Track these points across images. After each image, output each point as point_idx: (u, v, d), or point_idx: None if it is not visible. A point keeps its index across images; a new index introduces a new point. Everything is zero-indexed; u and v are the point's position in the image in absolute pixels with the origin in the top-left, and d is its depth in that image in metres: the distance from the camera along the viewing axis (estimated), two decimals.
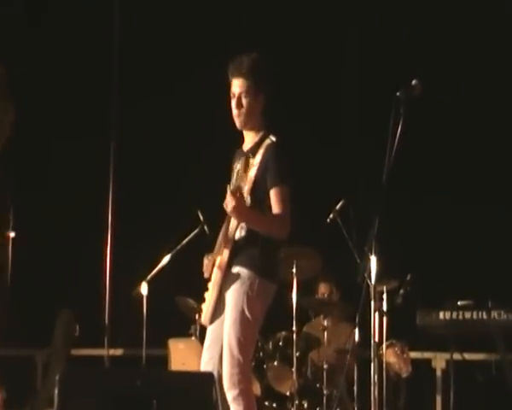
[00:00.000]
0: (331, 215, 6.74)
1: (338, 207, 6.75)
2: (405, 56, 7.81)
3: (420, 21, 8.12)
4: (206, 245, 6.86)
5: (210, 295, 4.86)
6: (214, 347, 4.82)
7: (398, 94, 4.43)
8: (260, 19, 8.30)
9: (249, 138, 4.92)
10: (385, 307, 6.58)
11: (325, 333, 6.82)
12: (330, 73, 8.19)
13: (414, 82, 4.48)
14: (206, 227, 6.87)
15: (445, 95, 7.70)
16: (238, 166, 4.91)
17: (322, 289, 7.55)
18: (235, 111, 4.84)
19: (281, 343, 6.83)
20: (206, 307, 4.89)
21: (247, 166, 4.73)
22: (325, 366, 6.66)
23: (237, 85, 4.82)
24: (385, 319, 6.55)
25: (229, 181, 4.91)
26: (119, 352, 7.96)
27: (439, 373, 7.66)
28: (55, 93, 8.37)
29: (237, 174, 4.87)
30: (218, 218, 6.73)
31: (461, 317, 6.38)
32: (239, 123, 4.86)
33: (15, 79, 4.87)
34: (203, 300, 4.92)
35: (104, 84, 7.72)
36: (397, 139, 4.36)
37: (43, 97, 8.32)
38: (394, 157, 4.36)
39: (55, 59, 8.43)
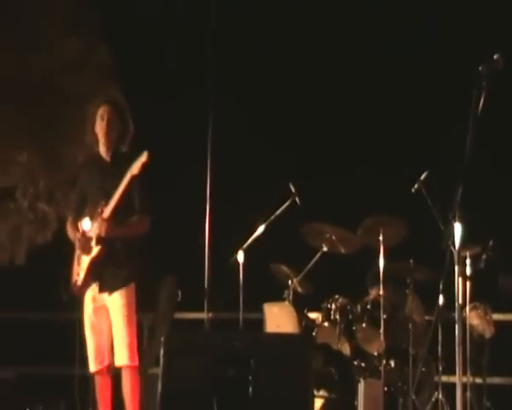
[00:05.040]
0: (416, 185, 6.65)
1: (423, 177, 6.65)
2: (488, 30, 7.57)
3: None
4: (297, 216, 6.90)
5: None
6: None
7: (480, 68, 4.34)
8: None
9: None
10: (468, 272, 6.42)
11: (410, 297, 6.73)
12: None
13: (496, 56, 4.36)
14: (297, 199, 6.86)
15: None
16: None
17: None
18: None
19: (369, 306, 6.80)
20: None
21: None
22: (411, 328, 6.58)
23: None
24: (468, 282, 6.41)
25: None
26: (218, 315, 7.94)
27: None
28: None
29: None
30: (309, 190, 6.68)
31: None
32: None
33: None
34: None
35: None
36: (479, 112, 4.27)
37: None
38: (477, 129, 4.26)
39: None
